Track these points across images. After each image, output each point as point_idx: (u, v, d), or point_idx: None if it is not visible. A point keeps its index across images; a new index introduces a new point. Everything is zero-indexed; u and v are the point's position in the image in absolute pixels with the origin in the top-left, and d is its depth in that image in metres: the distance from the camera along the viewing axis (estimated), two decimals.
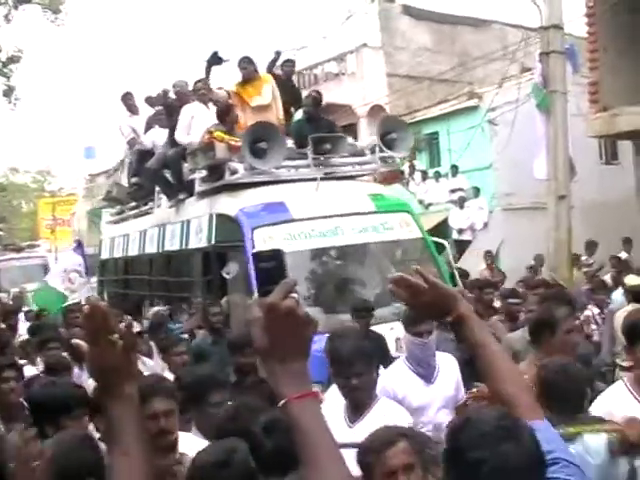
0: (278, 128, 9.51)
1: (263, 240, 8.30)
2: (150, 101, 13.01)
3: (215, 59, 10.76)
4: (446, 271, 9.33)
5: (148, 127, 12.39)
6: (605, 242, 15.96)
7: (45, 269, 20.07)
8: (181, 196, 10.69)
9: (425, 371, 5.06)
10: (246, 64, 10.42)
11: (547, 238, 12.43)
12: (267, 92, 10.48)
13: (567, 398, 3.64)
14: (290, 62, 11.97)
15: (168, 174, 11.03)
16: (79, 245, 14.89)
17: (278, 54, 11.82)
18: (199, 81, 10.89)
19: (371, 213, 9.12)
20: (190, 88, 11.19)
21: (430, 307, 2.26)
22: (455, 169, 19.36)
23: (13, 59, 21.62)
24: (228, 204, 9.22)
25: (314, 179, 9.26)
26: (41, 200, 42.29)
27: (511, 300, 8.24)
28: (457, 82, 21.47)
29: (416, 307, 2.32)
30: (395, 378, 5.06)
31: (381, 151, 9.91)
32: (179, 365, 6.27)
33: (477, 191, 18.78)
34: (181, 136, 10.51)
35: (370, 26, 22.18)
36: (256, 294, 7.15)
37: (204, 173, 9.91)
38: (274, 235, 8.43)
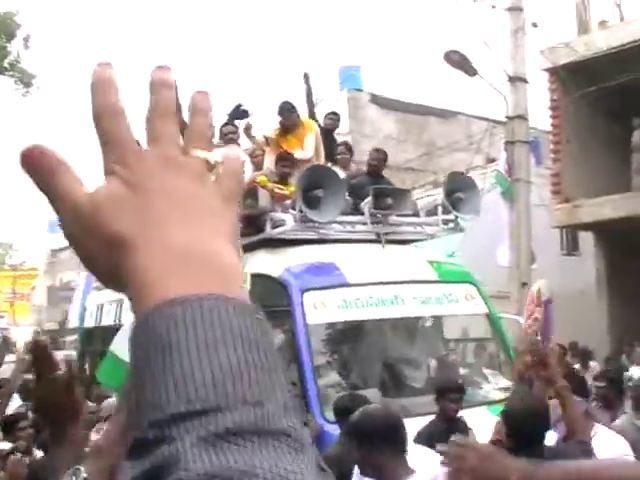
0: (338, 174, 8.27)
1: (314, 306, 7.19)
2: None
3: (239, 112, 9.82)
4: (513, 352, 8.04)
5: None
6: (566, 332, 15.97)
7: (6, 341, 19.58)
8: None
9: None
10: (288, 111, 9.20)
11: (510, 326, 12.42)
12: (310, 144, 9.31)
13: None
14: (335, 115, 10.55)
15: None
16: None
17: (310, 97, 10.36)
18: (226, 124, 9.62)
19: (434, 282, 7.96)
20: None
21: None
22: None
23: None
24: (269, 262, 7.89)
25: (371, 240, 8.22)
26: (1, 273, 41.77)
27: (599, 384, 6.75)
28: (423, 171, 21.76)
29: None
30: None
31: (445, 212, 8.73)
32: None
33: None
34: None
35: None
36: (309, 365, 6.74)
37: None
38: (327, 301, 7.28)
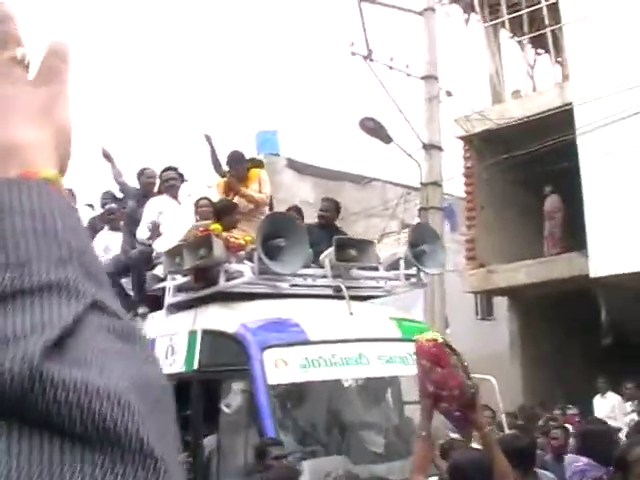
0: (299, 223, 7.76)
1: (275, 364, 6.64)
2: (105, 198, 10.95)
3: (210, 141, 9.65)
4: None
5: (93, 229, 10.03)
6: (482, 394, 15.98)
7: None
8: (141, 310, 8.51)
9: None
10: (238, 161, 9.03)
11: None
12: (265, 185, 9.18)
13: None
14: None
15: (125, 282, 8.95)
16: None
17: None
18: (168, 169, 9.15)
19: (398, 340, 7.48)
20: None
21: None
22: None
23: None
24: (223, 318, 7.30)
25: (330, 295, 7.69)
26: None
27: None
28: None
29: None
30: None
31: (407, 266, 8.19)
32: None
33: None
34: (144, 233, 8.67)
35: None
36: (271, 429, 6.22)
37: (181, 280, 7.88)
38: (289, 359, 6.73)
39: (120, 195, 10.51)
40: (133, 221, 9.01)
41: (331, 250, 7.67)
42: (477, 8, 17.57)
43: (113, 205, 10.27)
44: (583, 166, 14.41)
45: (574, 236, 15.28)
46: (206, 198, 8.85)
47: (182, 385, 6.59)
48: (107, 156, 10.20)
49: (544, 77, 18.34)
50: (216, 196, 9.03)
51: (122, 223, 9.56)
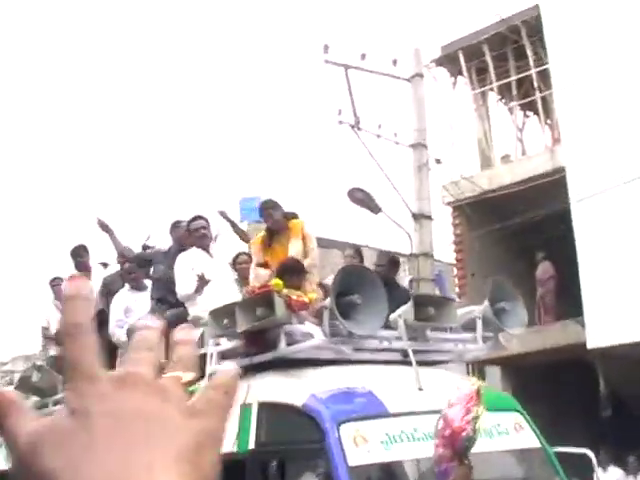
0: (376, 277, 6.92)
1: (354, 441, 5.85)
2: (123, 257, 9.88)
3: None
4: None
5: (107, 289, 9.36)
6: None
7: None
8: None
9: None
10: (267, 210, 8.04)
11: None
12: (295, 249, 8.05)
13: None
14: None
15: None
16: None
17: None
18: (198, 218, 8.31)
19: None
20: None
21: None
22: None
23: None
24: (287, 388, 6.49)
25: (399, 360, 6.92)
26: None
27: None
28: None
29: None
30: None
31: (485, 326, 7.35)
32: None
33: None
34: (188, 287, 7.71)
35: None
36: None
37: (227, 344, 7.04)
38: (368, 435, 5.95)
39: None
40: (165, 286, 8.14)
41: (406, 309, 6.86)
42: (465, 72, 17.45)
43: (133, 264, 9.47)
44: (578, 233, 14.23)
45: (568, 304, 14.97)
46: (245, 253, 8.38)
47: (233, 468, 5.62)
48: (104, 227, 9.61)
49: (534, 141, 18.20)
50: (254, 256, 8.26)
51: (150, 288, 8.73)
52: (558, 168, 14.83)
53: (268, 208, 8.03)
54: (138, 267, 9.25)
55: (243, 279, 8.14)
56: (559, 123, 15.65)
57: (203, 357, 6.90)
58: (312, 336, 6.40)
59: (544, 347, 15.03)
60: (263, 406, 6.32)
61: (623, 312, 13.33)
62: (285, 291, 6.52)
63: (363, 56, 13.00)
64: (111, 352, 7.86)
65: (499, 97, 18.29)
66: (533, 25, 16.32)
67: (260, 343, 6.61)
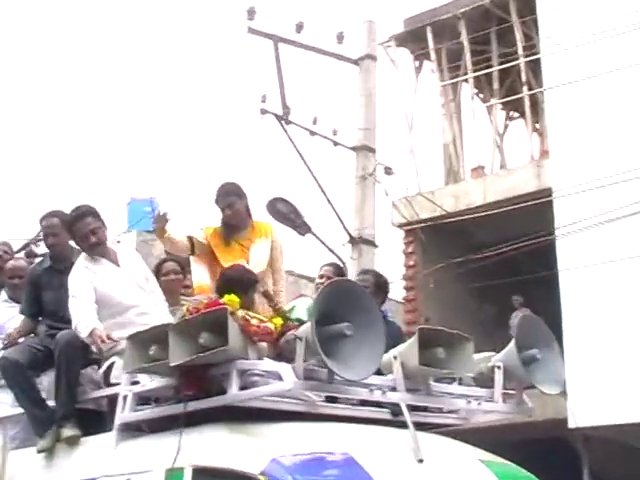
0: (369, 296, 6.49)
1: None
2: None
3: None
4: None
5: None
6: None
7: None
8: (68, 431, 7.16)
9: None
10: (225, 197, 8.05)
11: None
12: (260, 253, 8.12)
13: None
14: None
15: (40, 381, 7.67)
16: None
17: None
18: (85, 215, 7.76)
19: None
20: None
21: None
22: None
23: None
24: (236, 449, 6.14)
25: (386, 419, 6.67)
26: None
27: None
28: None
29: None
30: None
31: (507, 379, 6.94)
32: None
33: None
34: (83, 328, 7.25)
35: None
36: None
37: (150, 384, 6.64)
38: None
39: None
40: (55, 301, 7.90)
41: (405, 348, 6.53)
42: (432, 56, 17.78)
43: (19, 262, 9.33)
44: (563, 277, 14.42)
45: None
46: (174, 260, 8.35)
47: None
48: None
49: (517, 150, 18.59)
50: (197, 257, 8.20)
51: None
52: (545, 189, 15.11)
53: (229, 194, 8.04)
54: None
55: (170, 295, 7.99)
56: (549, 130, 15.85)
57: (111, 402, 6.82)
58: (279, 377, 5.99)
59: (518, 421, 15.25)
60: (200, 473, 5.98)
61: (610, 389, 13.62)
62: (241, 312, 6.24)
63: (299, 27, 13.19)
64: None
65: (475, 91, 18.68)
66: (525, 1, 16.67)
67: (201, 384, 6.20)
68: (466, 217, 15.57)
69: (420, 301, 16.82)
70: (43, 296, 7.97)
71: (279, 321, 6.44)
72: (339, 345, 5.87)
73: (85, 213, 7.70)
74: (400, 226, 16.69)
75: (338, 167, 13.84)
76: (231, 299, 6.26)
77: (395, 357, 6.33)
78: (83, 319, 7.23)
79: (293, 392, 6.03)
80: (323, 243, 13.02)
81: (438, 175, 17.72)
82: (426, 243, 16.30)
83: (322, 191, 12.91)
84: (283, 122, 13.09)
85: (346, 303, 5.96)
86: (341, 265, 9.54)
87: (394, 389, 6.34)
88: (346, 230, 13.05)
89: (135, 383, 6.57)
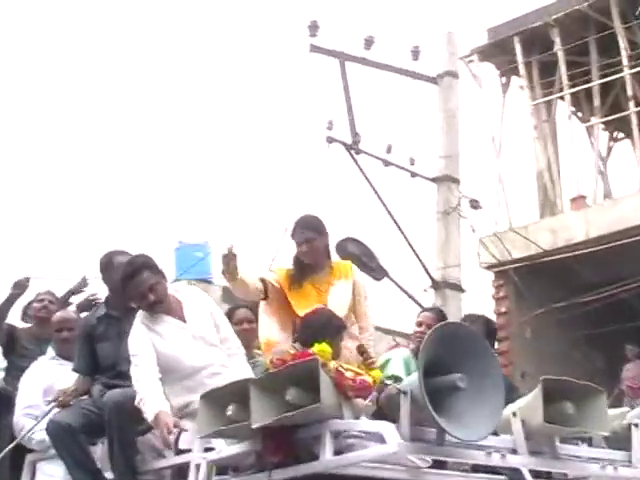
0: (483, 340, 6.27)
1: None
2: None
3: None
4: None
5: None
6: None
7: None
8: None
9: None
10: (302, 230, 7.98)
11: None
12: (340, 296, 8.00)
13: None
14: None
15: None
16: None
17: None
18: (141, 269, 7.63)
19: None
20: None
21: None
22: None
23: None
24: None
25: None
26: None
27: None
28: None
29: None
30: None
31: None
32: None
33: None
34: (145, 384, 7.14)
35: None
36: None
37: (237, 447, 6.40)
38: None
39: None
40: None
41: (527, 402, 6.43)
42: (522, 70, 17.67)
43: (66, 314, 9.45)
44: None
45: None
46: (246, 307, 8.41)
47: None
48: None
49: (624, 177, 18.34)
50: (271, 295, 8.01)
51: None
52: None
53: (309, 228, 7.96)
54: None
55: (243, 347, 7.78)
56: None
57: (181, 472, 6.78)
58: (381, 439, 5.80)
59: None
60: None
61: None
62: (333, 363, 6.11)
63: (369, 42, 13.27)
64: (16, 454, 7.99)
65: (573, 109, 18.47)
66: (630, 3, 16.57)
67: (288, 448, 6.08)
68: (566, 255, 15.42)
69: (515, 353, 16.65)
70: (98, 350, 7.89)
71: (378, 373, 6.35)
72: (451, 400, 5.70)
73: (141, 267, 7.49)
74: (489, 267, 16.48)
75: (417, 201, 13.78)
76: (322, 349, 6.16)
77: (514, 414, 6.19)
78: (147, 396, 6.99)
79: (398, 456, 5.86)
80: (402, 289, 13.04)
81: (532, 208, 17.54)
82: (520, 286, 16.09)
83: (399, 229, 12.96)
84: (353, 151, 13.19)
85: (458, 350, 5.78)
86: (442, 310, 9.47)
87: (514, 451, 6.16)
88: (428, 273, 13.13)
89: (209, 450, 6.44)
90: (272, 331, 7.89)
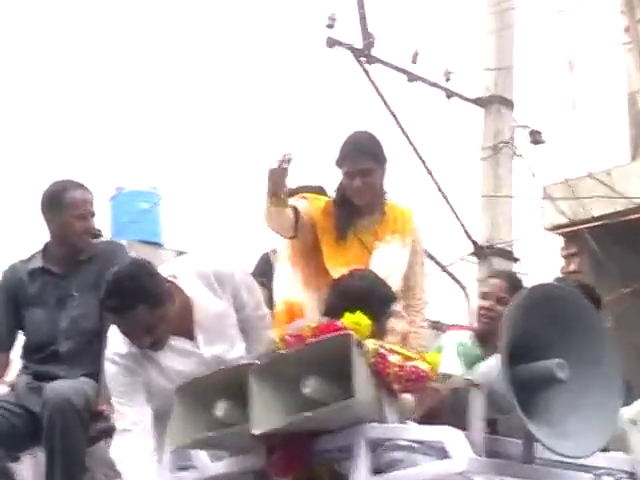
0: (593, 309, 6.16)
1: None
2: None
3: None
4: None
5: None
6: None
7: None
8: None
9: None
10: (365, 158, 7.79)
11: None
12: (394, 260, 7.92)
13: None
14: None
15: None
16: None
17: None
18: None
19: None
20: None
21: None
22: None
23: None
24: None
25: None
26: None
27: None
28: None
29: None
30: None
31: None
32: None
33: None
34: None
35: None
36: None
37: (231, 463, 6.50)
38: None
39: None
40: None
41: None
42: None
43: None
44: None
45: None
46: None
47: None
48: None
49: None
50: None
51: None
52: None
53: (366, 154, 7.76)
54: None
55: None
56: None
57: None
58: (444, 452, 5.62)
59: None
60: None
61: None
62: (373, 343, 5.89)
63: None
64: None
65: None
66: None
67: (302, 464, 5.95)
68: None
69: None
70: (27, 317, 7.95)
71: (436, 358, 6.02)
72: (546, 398, 5.58)
73: (134, 303, 6.91)
74: (556, 228, 16.22)
75: (453, 132, 13.52)
76: (357, 320, 5.90)
77: (635, 422, 6.58)
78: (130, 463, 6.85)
79: (468, 477, 5.50)
80: (433, 258, 12.75)
81: (619, 145, 17.19)
82: (600, 255, 15.86)
83: (427, 170, 12.95)
84: (363, 59, 13.06)
85: (554, 326, 5.63)
86: (515, 274, 9.79)
87: (633, 476, 6.10)
88: (467, 235, 13.18)
89: (186, 468, 6.40)
90: (294, 288, 7.75)
